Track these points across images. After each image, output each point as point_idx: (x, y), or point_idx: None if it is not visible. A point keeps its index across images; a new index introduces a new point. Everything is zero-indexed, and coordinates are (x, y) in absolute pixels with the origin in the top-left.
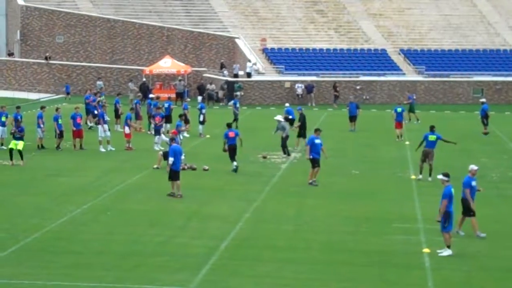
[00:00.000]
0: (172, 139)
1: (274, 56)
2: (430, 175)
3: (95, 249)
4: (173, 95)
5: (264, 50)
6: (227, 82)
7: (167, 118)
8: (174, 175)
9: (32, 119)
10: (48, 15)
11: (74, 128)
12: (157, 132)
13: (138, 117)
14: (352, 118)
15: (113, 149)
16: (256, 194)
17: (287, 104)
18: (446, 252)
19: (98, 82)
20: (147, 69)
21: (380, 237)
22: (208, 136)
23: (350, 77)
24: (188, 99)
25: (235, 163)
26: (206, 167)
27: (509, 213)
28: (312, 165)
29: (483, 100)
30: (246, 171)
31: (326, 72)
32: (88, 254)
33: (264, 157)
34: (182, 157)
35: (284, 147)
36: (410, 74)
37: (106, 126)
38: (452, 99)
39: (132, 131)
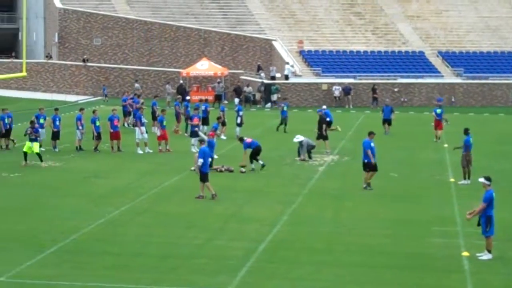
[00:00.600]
0: (201, 141)
1: (311, 59)
2: (468, 178)
3: (133, 250)
4: (211, 97)
5: (301, 53)
6: (264, 84)
7: (204, 120)
8: (203, 176)
9: (70, 121)
10: (85, 18)
11: (112, 130)
12: (194, 134)
13: (178, 119)
14: (387, 121)
15: (151, 151)
16: (294, 197)
17: (324, 107)
18: (486, 256)
19: (136, 85)
20: (184, 71)
21: (419, 240)
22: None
23: (387, 79)
24: (226, 102)
25: (261, 161)
26: (243, 170)
27: None
28: (366, 169)
29: None
30: (283, 174)
31: (364, 74)
32: (126, 256)
33: (303, 160)
34: (215, 157)
35: (308, 151)
36: (448, 77)
37: (143, 128)
38: (490, 101)
39: (167, 133)
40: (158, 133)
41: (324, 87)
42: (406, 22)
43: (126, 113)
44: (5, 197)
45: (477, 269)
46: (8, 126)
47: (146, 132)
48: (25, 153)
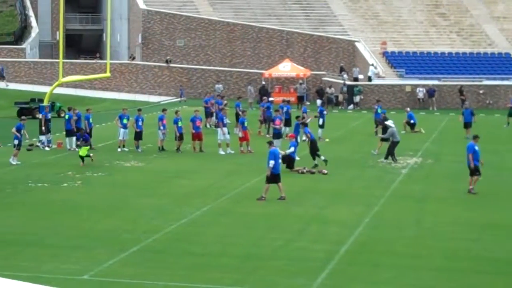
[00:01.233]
0: (271, 143)
1: (395, 60)
2: None
3: (214, 251)
4: (293, 99)
5: (385, 54)
6: (346, 85)
7: (286, 122)
8: (274, 178)
9: (152, 121)
10: (169, 19)
11: (194, 131)
12: (277, 135)
13: (263, 121)
14: (467, 124)
15: (232, 152)
16: (376, 199)
17: (407, 109)
18: None
19: (218, 86)
20: (266, 73)
21: (505, 245)
22: (327, 140)
23: (472, 81)
24: (308, 103)
25: (322, 157)
26: (325, 171)
27: None
28: (472, 173)
29: None
30: (365, 176)
31: (448, 76)
32: (207, 256)
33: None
34: (296, 158)
35: (391, 153)
36: None
37: (225, 129)
38: None
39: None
40: (240, 134)
41: (408, 88)
42: (492, 23)
43: (208, 114)
44: (89, 196)
45: None
46: (91, 126)
47: (228, 133)
48: (82, 157)
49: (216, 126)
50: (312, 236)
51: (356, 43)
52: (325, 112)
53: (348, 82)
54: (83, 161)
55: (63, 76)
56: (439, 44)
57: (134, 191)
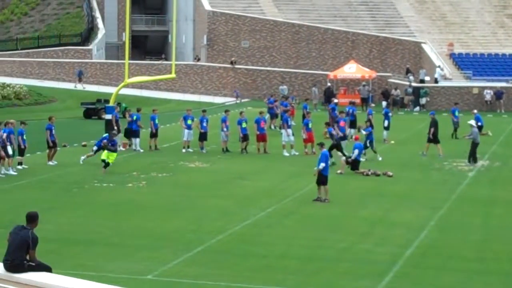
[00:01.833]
0: (322, 144)
1: (462, 62)
2: None
3: (277, 252)
4: (358, 100)
5: (451, 55)
6: (412, 87)
7: (352, 123)
8: (324, 179)
9: (217, 122)
10: (234, 20)
11: (258, 132)
12: (341, 137)
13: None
14: None
15: (297, 153)
16: (442, 202)
17: (475, 111)
18: None
19: (282, 87)
20: (331, 74)
21: None
22: (392, 142)
23: None
24: (373, 105)
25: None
26: (390, 173)
27: None
28: None
29: None
30: (431, 178)
31: None
32: (271, 257)
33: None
34: (361, 160)
35: (473, 154)
36: None
37: (290, 131)
38: None
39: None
40: (304, 136)
41: (475, 90)
42: None
43: (272, 115)
44: (154, 196)
45: None
46: (157, 126)
47: (293, 135)
48: (104, 160)
49: (281, 127)
50: (377, 239)
51: (423, 45)
52: (390, 114)
53: (413, 84)
54: (105, 166)
55: (129, 77)
56: (507, 46)
57: (198, 192)
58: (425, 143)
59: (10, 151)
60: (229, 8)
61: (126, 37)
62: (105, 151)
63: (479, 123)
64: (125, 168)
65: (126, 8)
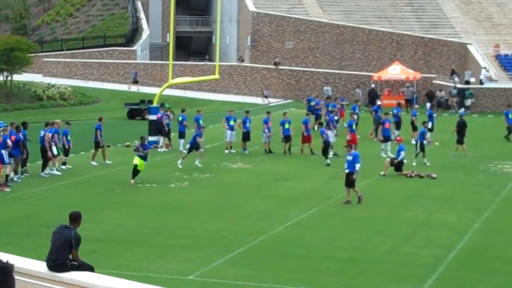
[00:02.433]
0: (350, 146)
1: (508, 63)
2: None
3: (319, 254)
4: (402, 102)
5: (497, 57)
6: (456, 88)
7: (397, 125)
8: (354, 181)
9: (260, 123)
10: (278, 21)
11: (306, 133)
12: (386, 138)
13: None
14: None
15: (338, 155)
16: (486, 204)
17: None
18: None
19: (326, 88)
20: (375, 75)
21: None
22: (436, 143)
23: None
24: (417, 106)
25: (328, 160)
26: (434, 175)
27: None
28: None
29: None
30: (476, 181)
31: None
32: (312, 259)
33: None
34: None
35: None
36: None
37: (334, 132)
38: None
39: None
40: (347, 137)
41: None
42: None
43: (317, 117)
44: (196, 197)
45: None
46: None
47: (336, 136)
48: (135, 167)
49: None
50: (420, 241)
51: (468, 46)
52: (434, 115)
53: (458, 86)
54: (134, 175)
55: (173, 78)
56: None
57: (240, 193)
58: (456, 145)
59: (55, 151)
60: (274, 9)
61: (170, 38)
62: (137, 157)
63: None
64: (168, 168)
65: (171, 9)
